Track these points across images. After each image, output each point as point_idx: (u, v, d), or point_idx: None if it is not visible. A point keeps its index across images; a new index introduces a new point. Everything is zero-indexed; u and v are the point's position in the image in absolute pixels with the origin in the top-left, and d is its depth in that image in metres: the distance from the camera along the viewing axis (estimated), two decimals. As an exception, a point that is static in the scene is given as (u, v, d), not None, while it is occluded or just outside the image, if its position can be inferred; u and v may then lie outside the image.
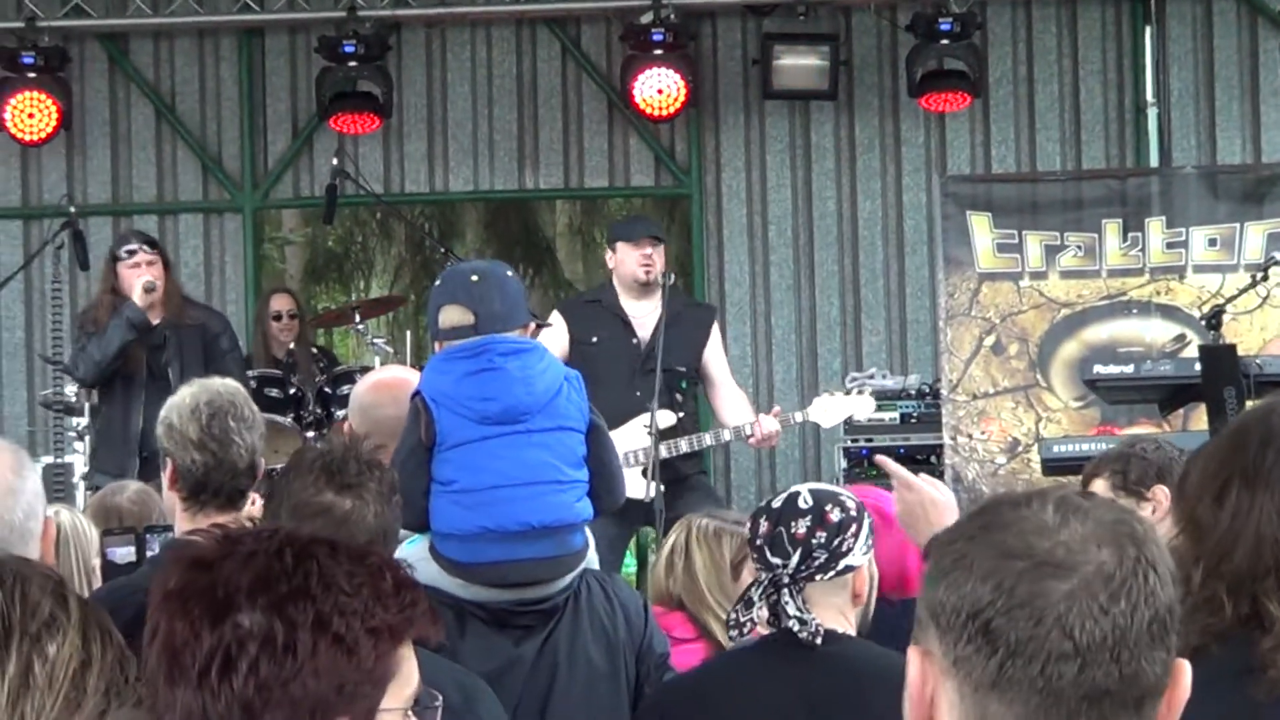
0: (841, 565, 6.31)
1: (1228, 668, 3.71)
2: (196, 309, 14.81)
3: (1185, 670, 2.98)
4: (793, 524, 6.27)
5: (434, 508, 7.62)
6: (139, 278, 13.55)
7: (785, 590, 6.22)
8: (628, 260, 13.80)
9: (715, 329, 14.18)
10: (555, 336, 12.95)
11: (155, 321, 13.76)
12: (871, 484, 9.18)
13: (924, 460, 16.65)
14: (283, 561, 3.52)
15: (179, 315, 14.00)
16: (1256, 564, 4.23)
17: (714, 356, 13.98)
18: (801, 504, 6.35)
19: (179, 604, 3.40)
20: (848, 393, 14.34)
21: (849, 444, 17.56)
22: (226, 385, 7.71)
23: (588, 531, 7.94)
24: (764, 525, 6.34)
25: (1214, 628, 3.89)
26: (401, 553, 7.43)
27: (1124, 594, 2.87)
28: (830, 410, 14.07)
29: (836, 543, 6.30)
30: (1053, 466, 12.45)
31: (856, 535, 6.35)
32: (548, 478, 7.64)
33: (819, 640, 6.17)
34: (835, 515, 6.34)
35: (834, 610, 6.34)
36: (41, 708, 2.17)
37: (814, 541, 6.26)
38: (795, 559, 6.23)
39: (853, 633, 6.40)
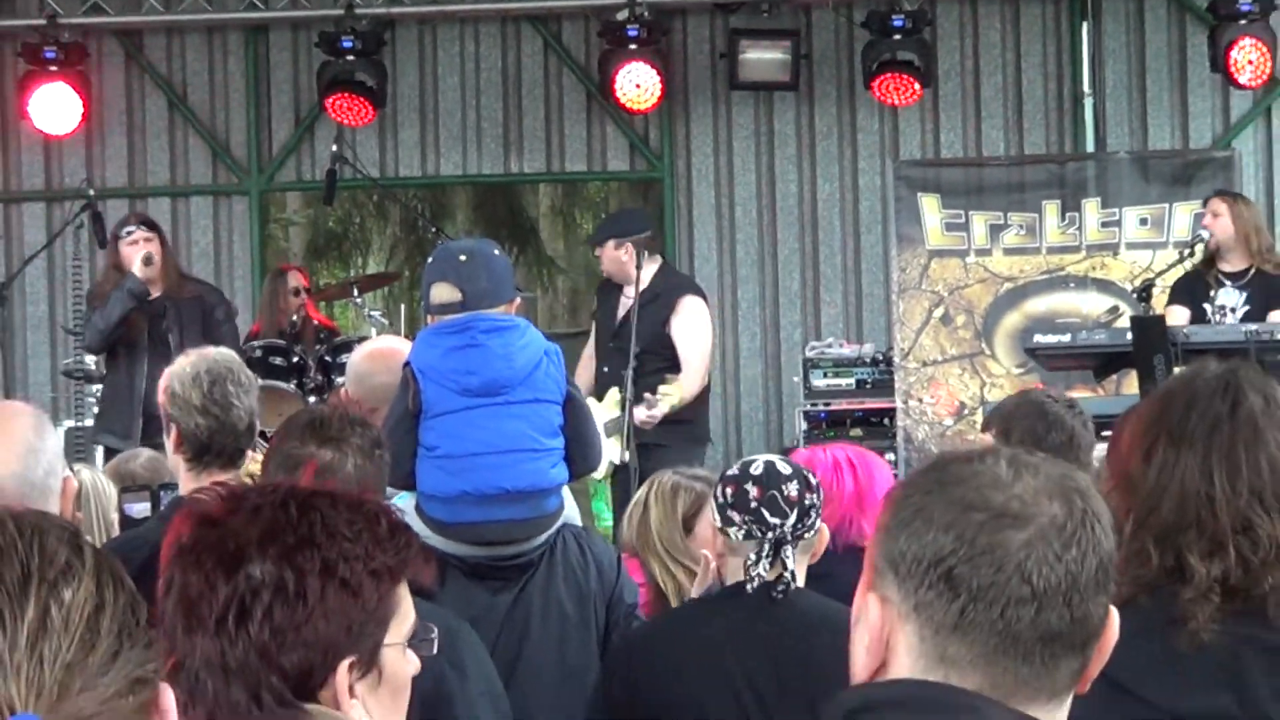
0: (818, 525, 6.50)
1: (1154, 619, 3.68)
2: (194, 284, 14.88)
3: (1114, 616, 3.00)
4: (783, 487, 6.41)
5: (419, 470, 7.79)
6: (138, 253, 13.54)
7: (787, 546, 6.36)
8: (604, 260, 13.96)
9: (683, 305, 13.91)
10: None
11: (155, 294, 13.80)
12: (834, 444, 9.27)
13: (878, 422, 16.72)
14: (288, 513, 3.64)
15: (178, 289, 14.02)
16: (1181, 517, 4.22)
17: (675, 333, 13.85)
18: (782, 469, 6.49)
19: (193, 559, 3.56)
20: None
21: (809, 408, 17.59)
22: (223, 353, 7.77)
23: (565, 492, 8.09)
24: (753, 489, 6.43)
25: (1142, 579, 3.86)
26: (401, 498, 7.78)
27: (1075, 543, 2.91)
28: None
29: (819, 504, 6.50)
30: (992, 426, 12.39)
31: (820, 500, 6.54)
32: (524, 446, 7.79)
33: (786, 593, 6.32)
34: (813, 481, 6.54)
35: (800, 565, 6.45)
36: (59, 648, 2.16)
37: (806, 503, 6.44)
38: (793, 518, 6.38)
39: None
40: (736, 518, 6.46)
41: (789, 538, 6.35)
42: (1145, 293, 13.49)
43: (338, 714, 3.67)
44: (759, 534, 6.37)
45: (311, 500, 3.75)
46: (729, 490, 6.51)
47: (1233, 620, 4.14)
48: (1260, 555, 4.17)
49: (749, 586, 6.35)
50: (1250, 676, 4.12)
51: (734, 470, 6.57)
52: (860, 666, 3.03)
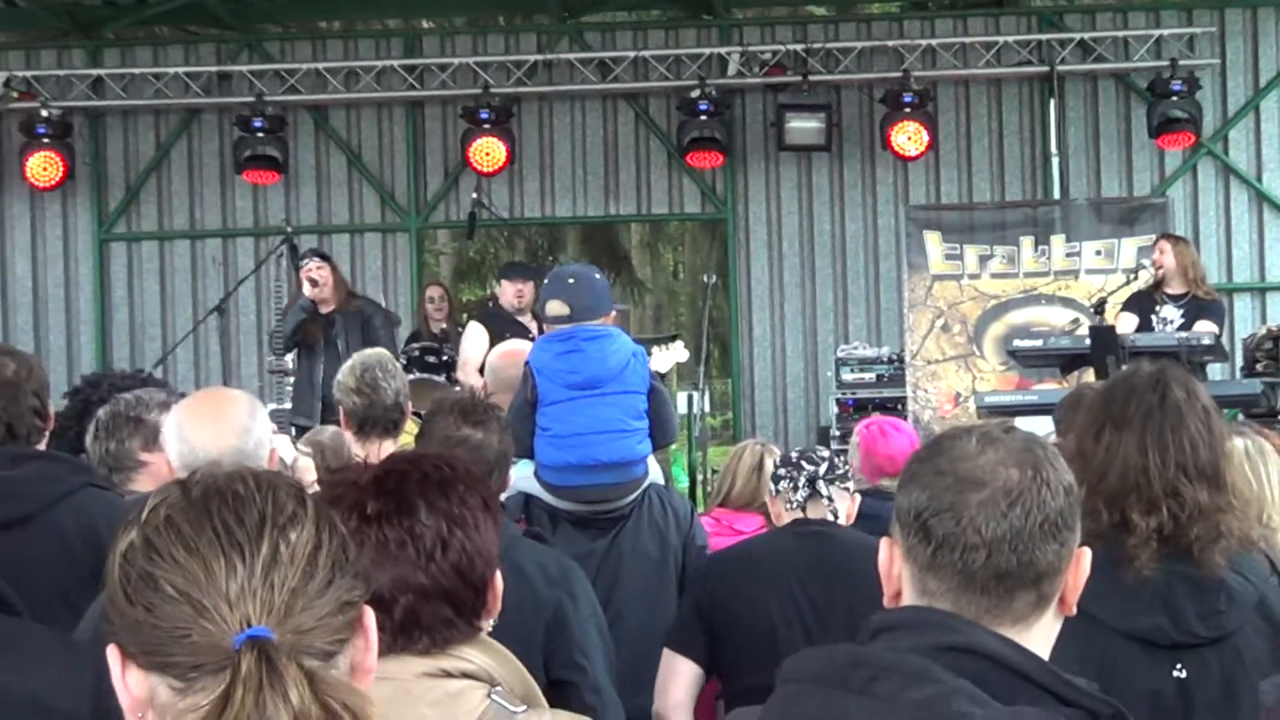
0: (848, 471, 6.70)
1: (1104, 560, 3.68)
2: (360, 300, 14.91)
3: (1085, 555, 3.02)
4: (818, 450, 6.81)
5: (536, 445, 7.82)
6: (307, 279, 13.81)
7: (820, 482, 6.56)
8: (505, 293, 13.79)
9: None
10: (477, 337, 13.08)
11: (328, 309, 13.99)
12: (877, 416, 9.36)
13: (893, 408, 16.61)
14: (439, 471, 3.68)
15: (345, 304, 14.11)
16: (1124, 484, 4.29)
17: None
18: (819, 451, 6.80)
19: (387, 518, 3.60)
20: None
21: (839, 396, 17.59)
22: (375, 351, 8.17)
23: (650, 461, 8.10)
24: (794, 456, 6.75)
25: (1094, 530, 3.88)
26: (521, 471, 7.69)
27: (1019, 503, 2.92)
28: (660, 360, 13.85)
29: (844, 462, 6.71)
30: (984, 411, 12.42)
31: (848, 466, 6.75)
32: (615, 427, 7.81)
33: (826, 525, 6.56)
34: (839, 458, 6.75)
35: (841, 504, 6.60)
36: (285, 578, 2.19)
37: (836, 459, 6.67)
38: (825, 465, 6.60)
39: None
40: (783, 472, 6.70)
41: (820, 475, 6.54)
42: (1099, 308, 13.76)
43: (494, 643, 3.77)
44: (796, 475, 6.59)
45: (455, 463, 3.83)
46: (779, 469, 6.76)
47: (1166, 561, 4.20)
48: (1186, 513, 4.21)
49: (790, 516, 6.60)
50: (1180, 602, 4.16)
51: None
52: (886, 594, 3.09)
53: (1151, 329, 13.30)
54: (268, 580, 2.21)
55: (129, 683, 2.22)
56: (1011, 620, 2.93)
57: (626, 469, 7.81)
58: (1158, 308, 13.76)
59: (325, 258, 14.86)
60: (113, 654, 2.22)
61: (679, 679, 6.44)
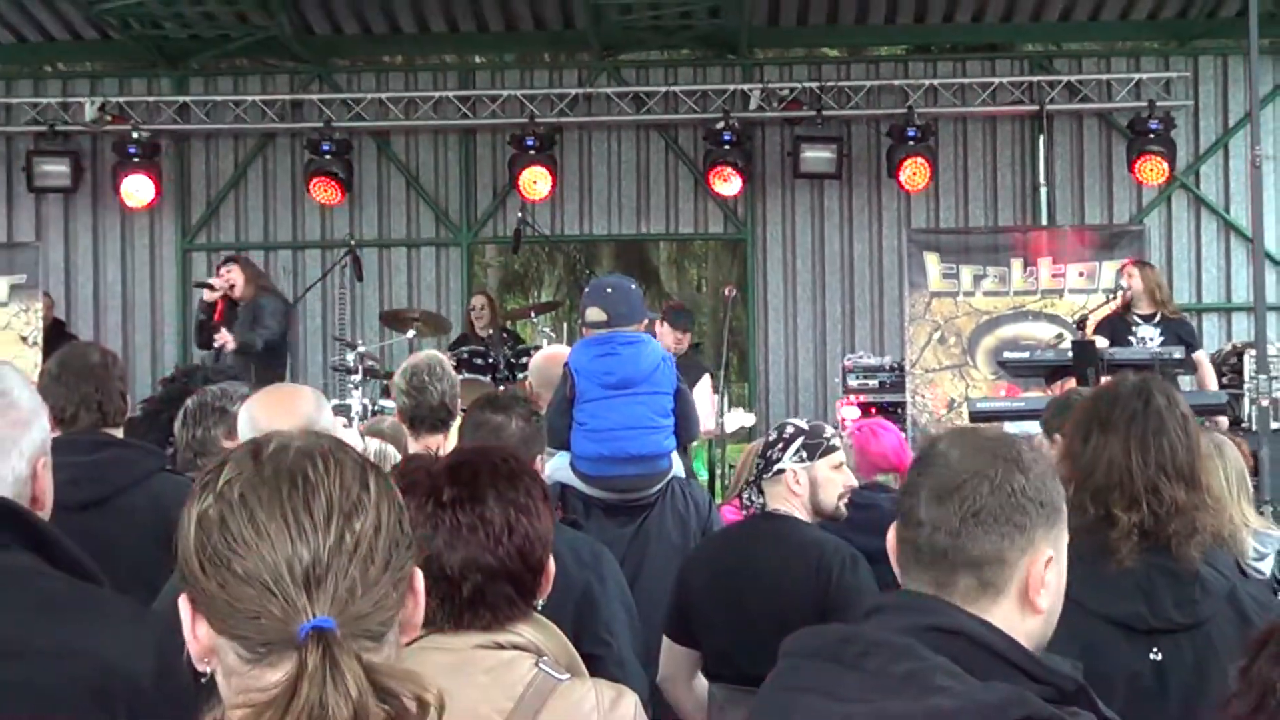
0: (773, 470, 6.43)
1: (1089, 551, 3.69)
2: (263, 292, 15.10)
3: (1043, 557, 3.03)
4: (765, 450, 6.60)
5: (573, 438, 7.96)
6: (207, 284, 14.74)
7: (759, 481, 6.52)
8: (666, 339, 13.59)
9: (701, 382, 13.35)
10: None
11: (245, 301, 14.57)
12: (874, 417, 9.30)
13: (893, 411, 16.56)
14: (506, 464, 3.73)
15: (253, 296, 14.71)
16: (1108, 482, 4.27)
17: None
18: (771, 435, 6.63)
19: (458, 504, 3.63)
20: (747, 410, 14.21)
21: (846, 400, 17.46)
22: (428, 355, 7.96)
23: (674, 456, 8.09)
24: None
25: (1081, 524, 3.84)
26: (554, 462, 7.88)
27: (957, 493, 2.98)
28: (733, 419, 13.84)
29: (772, 457, 6.47)
30: (976, 416, 12.34)
31: (784, 450, 6.47)
32: (645, 424, 7.97)
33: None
34: (773, 436, 6.55)
35: (771, 499, 6.48)
36: (346, 567, 2.14)
37: (768, 456, 6.50)
38: (760, 468, 6.56)
39: (800, 515, 6.44)
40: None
41: (754, 478, 6.55)
42: (1081, 324, 13.93)
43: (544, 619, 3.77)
44: (754, 478, 6.60)
45: (509, 455, 3.84)
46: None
47: (1146, 553, 4.19)
48: (1165, 509, 4.20)
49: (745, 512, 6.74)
50: (1158, 591, 4.15)
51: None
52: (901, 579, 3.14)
53: (1090, 342, 13.39)
54: (331, 570, 2.15)
55: (198, 633, 2.20)
56: (960, 599, 2.98)
57: (653, 462, 7.92)
58: (1134, 329, 13.81)
59: (234, 259, 15.33)
60: (184, 604, 2.20)
61: (669, 657, 6.47)
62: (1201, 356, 13.98)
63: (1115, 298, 14.37)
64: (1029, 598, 2.99)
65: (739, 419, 13.63)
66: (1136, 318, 14.03)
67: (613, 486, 7.84)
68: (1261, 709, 2.47)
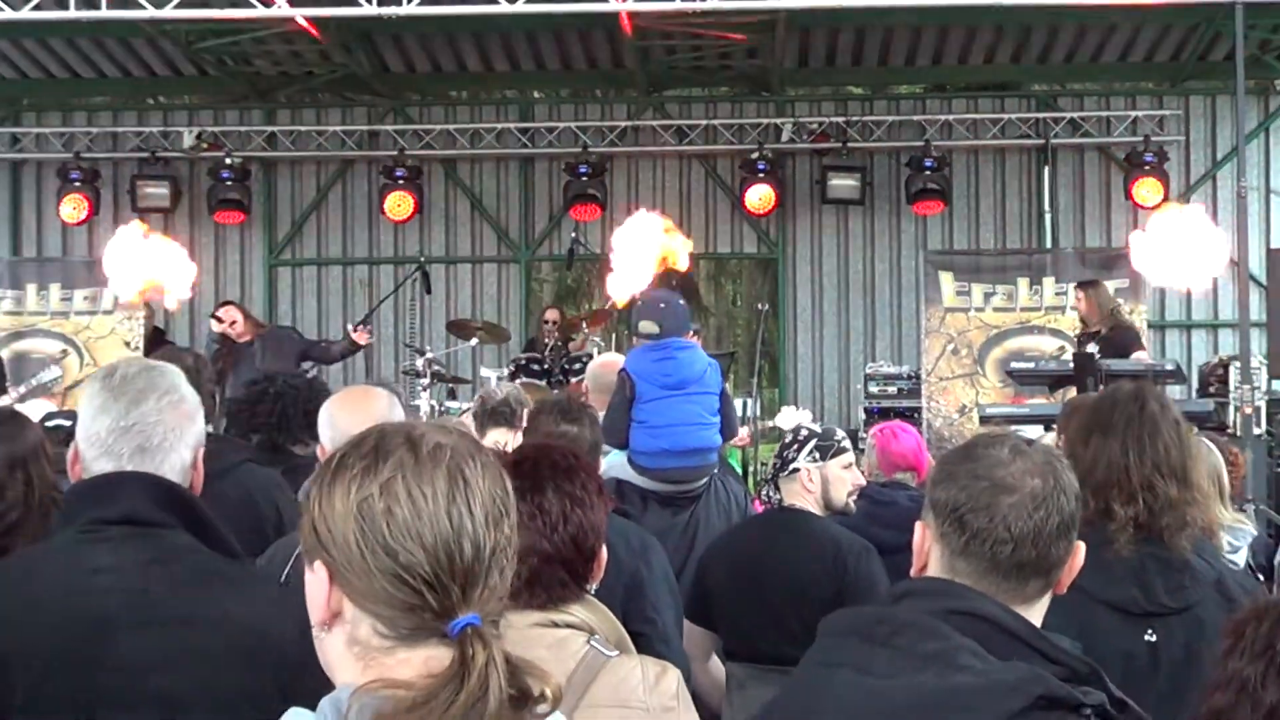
0: (789, 469, 6.45)
1: (1089, 541, 3.65)
2: (268, 328, 15.69)
3: (1081, 549, 3.05)
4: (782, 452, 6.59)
5: (631, 435, 8.06)
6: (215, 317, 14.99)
7: (776, 480, 6.50)
8: None
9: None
10: None
11: (245, 339, 14.52)
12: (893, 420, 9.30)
13: (910, 415, 16.52)
14: (565, 460, 3.79)
15: (257, 333, 14.75)
16: (1107, 479, 4.25)
17: None
18: (787, 438, 6.62)
19: (565, 499, 3.71)
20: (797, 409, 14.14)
21: (867, 405, 17.54)
22: (512, 388, 8.14)
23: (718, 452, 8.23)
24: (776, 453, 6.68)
25: (1084, 518, 3.79)
26: (612, 459, 7.97)
27: (1043, 507, 2.94)
28: (787, 417, 13.81)
29: (788, 456, 6.50)
30: (985, 420, 12.38)
31: (798, 451, 6.49)
32: (697, 420, 8.09)
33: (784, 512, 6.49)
34: (789, 438, 6.57)
35: (787, 495, 6.48)
36: (496, 570, 2.14)
37: (783, 457, 6.51)
38: (776, 466, 6.55)
39: (813, 510, 6.47)
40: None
41: (771, 476, 6.54)
42: (1081, 338, 13.78)
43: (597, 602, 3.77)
44: (770, 476, 6.59)
45: (568, 452, 3.89)
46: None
47: (1141, 544, 4.19)
48: (1159, 504, 4.20)
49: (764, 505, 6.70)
50: (1151, 578, 4.15)
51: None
52: (913, 567, 3.10)
53: (1090, 355, 13.52)
54: (485, 569, 2.12)
55: (332, 603, 2.15)
56: (1022, 600, 2.96)
57: (705, 455, 8.04)
58: (1086, 346, 13.92)
59: (230, 303, 15.55)
60: (320, 574, 2.14)
61: (688, 637, 6.42)
62: (1139, 356, 13.91)
63: (1115, 314, 14.47)
64: (1061, 584, 3.04)
65: (794, 416, 13.60)
66: (1086, 335, 14.24)
67: (670, 478, 7.89)
68: (1239, 704, 2.46)
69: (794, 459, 6.43)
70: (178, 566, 3.40)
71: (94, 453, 3.49)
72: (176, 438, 3.52)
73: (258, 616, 3.40)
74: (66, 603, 3.07)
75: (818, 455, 6.46)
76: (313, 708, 3.39)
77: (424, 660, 2.09)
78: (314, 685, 3.40)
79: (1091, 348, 13.86)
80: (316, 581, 2.15)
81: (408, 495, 2.10)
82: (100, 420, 3.49)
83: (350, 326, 15.46)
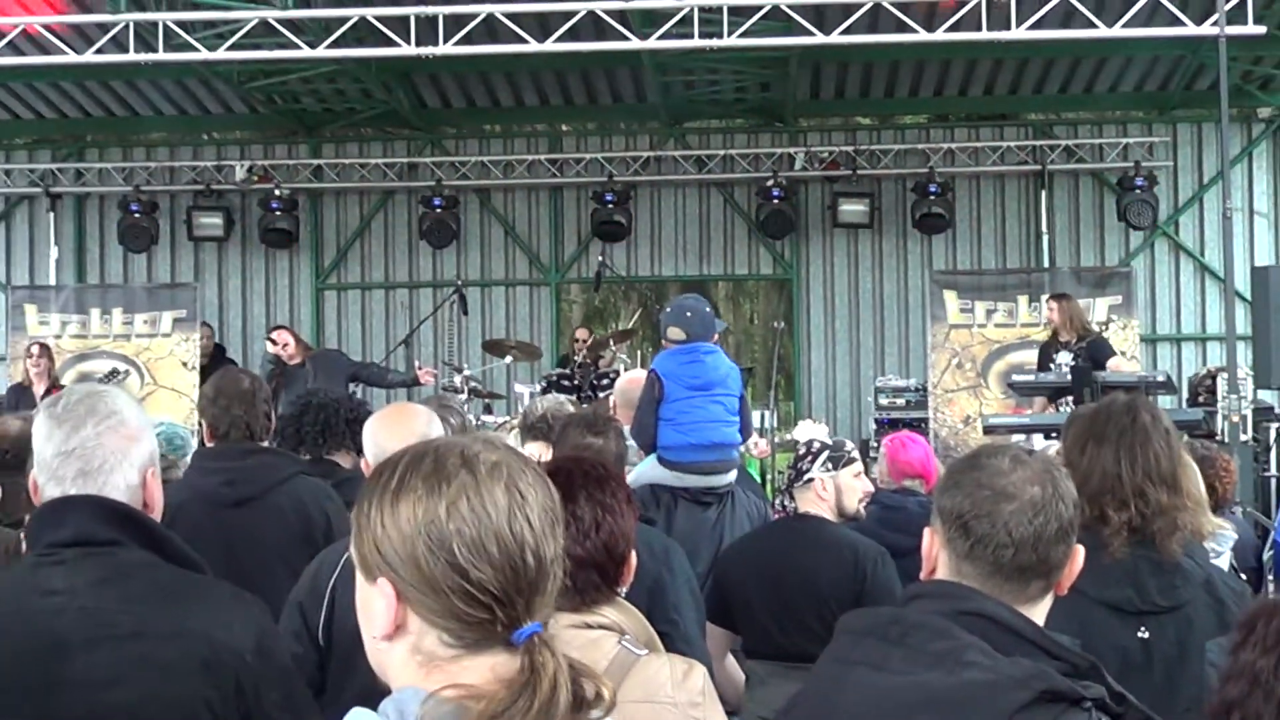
0: (804, 479, 6.48)
1: (1087, 545, 3.64)
2: (316, 351, 16.26)
3: (1080, 552, 3.05)
4: (797, 463, 6.58)
5: (660, 432, 7.93)
6: (270, 339, 15.69)
7: (792, 490, 6.55)
8: None
9: None
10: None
11: (295, 362, 14.96)
12: (902, 430, 9.29)
13: (917, 425, 16.49)
14: (595, 470, 3.77)
15: (308, 355, 15.29)
16: (1102, 486, 4.23)
17: None
18: (801, 448, 6.63)
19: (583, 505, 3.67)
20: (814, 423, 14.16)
21: (877, 416, 17.57)
22: (554, 398, 8.20)
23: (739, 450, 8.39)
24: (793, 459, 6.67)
25: (1080, 523, 3.79)
26: (642, 464, 7.97)
27: (1042, 513, 2.95)
28: (804, 430, 13.83)
29: (804, 469, 6.51)
30: (989, 429, 12.34)
31: (812, 462, 6.51)
32: (721, 418, 7.98)
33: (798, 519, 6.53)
34: (802, 450, 6.58)
35: (802, 503, 6.52)
36: (556, 575, 2.13)
37: (798, 468, 6.53)
38: (790, 476, 6.57)
39: (828, 516, 6.51)
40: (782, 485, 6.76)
41: (786, 486, 6.59)
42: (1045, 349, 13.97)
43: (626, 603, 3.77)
44: (785, 486, 6.62)
45: (599, 463, 3.89)
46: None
47: (1134, 547, 4.18)
48: (1150, 510, 4.18)
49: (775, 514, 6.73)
50: (1143, 579, 4.14)
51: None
52: (923, 570, 3.11)
53: (1049, 369, 13.93)
54: (544, 580, 2.10)
55: (397, 615, 2.09)
56: (1025, 600, 2.97)
57: (727, 450, 7.96)
58: (1055, 354, 13.97)
59: (283, 327, 16.11)
60: (387, 588, 2.08)
61: (710, 640, 6.44)
62: (1114, 363, 14.06)
63: (1106, 329, 14.50)
64: (1062, 586, 3.04)
65: (811, 429, 13.64)
66: (1059, 345, 14.34)
67: (697, 469, 7.82)
68: (1252, 694, 2.47)
69: (808, 469, 6.46)
70: (131, 583, 3.34)
71: (44, 478, 3.43)
72: (118, 459, 3.43)
73: (215, 626, 3.35)
74: (22, 627, 3.02)
75: (830, 465, 6.49)
76: (269, 716, 3.42)
77: (490, 667, 2.06)
78: (275, 696, 3.43)
79: (1064, 356, 13.95)
80: (380, 597, 2.10)
81: (473, 514, 2.06)
82: (46, 447, 3.43)
83: (418, 364, 15.88)
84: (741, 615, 6.42)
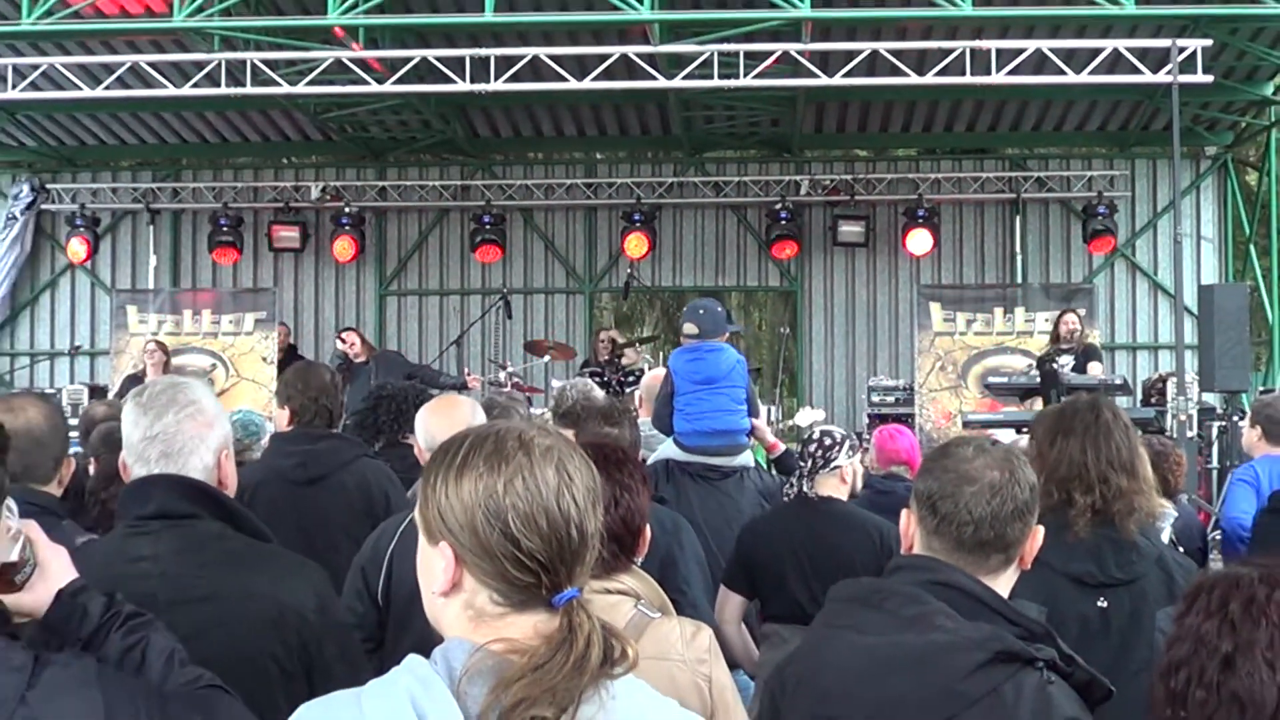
0: (832, 466, 6.41)
1: (1053, 525, 3.67)
2: (379, 351, 16.54)
3: (1040, 531, 3.09)
4: (811, 448, 6.48)
5: (675, 420, 7.98)
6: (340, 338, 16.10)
7: (816, 475, 6.43)
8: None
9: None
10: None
11: (360, 360, 15.34)
12: (891, 423, 9.23)
13: (905, 420, 16.44)
14: (615, 453, 3.76)
15: (371, 354, 15.73)
16: (1069, 474, 4.22)
17: None
18: (812, 439, 6.54)
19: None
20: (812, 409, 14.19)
21: (869, 412, 17.46)
22: (578, 380, 8.37)
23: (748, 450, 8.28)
24: (801, 450, 6.60)
25: (1048, 505, 3.86)
26: (664, 445, 8.01)
27: (999, 495, 2.98)
28: (805, 416, 13.78)
29: (832, 456, 6.43)
30: (967, 425, 12.32)
31: (838, 451, 6.44)
32: (724, 408, 7.96)
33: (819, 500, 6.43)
34: (827, 441, 6.47)
35: (824, 488, 6.43)
36: (595, 546, 2.15)
37: (821, 456, 6.44)
38: (810, 463, 6.45)
39: (844, 498, 6.48)
40: (796, 463, 6.66)
41: (809, 471, 6.43)
42: (1041, 362, 13.84)
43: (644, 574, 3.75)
44: (799, 468, 6.52)
45: (617, 446, 3.93)
46: (799, 459, 6.67)
47: (1096, 526, 4.16)
48: (1111, 494, 4.16)
49: (789, 496, 6.53)
50: (1104, 555, 4.11)
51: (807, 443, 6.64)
52: (902, 545, 3.15)
53: (1054, 371, 13.64)
54: (586, 551, 2.12)
55: (454, 575, 2.10)
56: (987, 572, 3.00)
57: (733, 435, 7.92)
58: (1057, 358, 14.00)
59: (352, 329, 16.52)
60: (448, 550, 2.09)
61: (729, 605, 6.42)
62: (1094, 368, 14.15)
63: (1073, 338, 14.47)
64: (1025, 560, 3.07)
65: (810, 415, 13.59)
66: (1061, 351, 14.39)
67: (705, 452, 7.80)
68: (1195, 654, 2.45)
69: (835, 458, 6.42)
70: (205, 552, 3.38)
71: (131, 459, 3.47)
72: (196, 443, 3.46)
73: (280, 589, 3.39)
74: (117, 587, 3.04)
75: (851, 453, 6.49)
76: (330, 671, 3.43)
77: (532, 625, 2.08)
78: (334, 650, 3.45)
79: (1065, 360, 13.91)
80: (440, 558, 2.12)
81: (526, 491, 2.08)
82: (134, 432, 3.47)
83: (467, 370, 16.15)
84: (772, 587, 6.40)
